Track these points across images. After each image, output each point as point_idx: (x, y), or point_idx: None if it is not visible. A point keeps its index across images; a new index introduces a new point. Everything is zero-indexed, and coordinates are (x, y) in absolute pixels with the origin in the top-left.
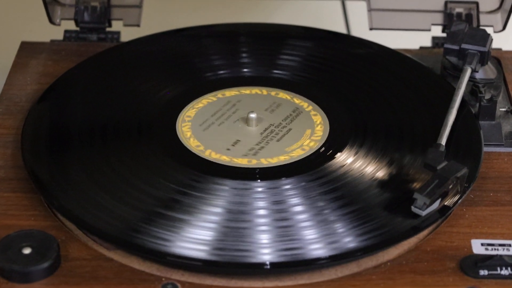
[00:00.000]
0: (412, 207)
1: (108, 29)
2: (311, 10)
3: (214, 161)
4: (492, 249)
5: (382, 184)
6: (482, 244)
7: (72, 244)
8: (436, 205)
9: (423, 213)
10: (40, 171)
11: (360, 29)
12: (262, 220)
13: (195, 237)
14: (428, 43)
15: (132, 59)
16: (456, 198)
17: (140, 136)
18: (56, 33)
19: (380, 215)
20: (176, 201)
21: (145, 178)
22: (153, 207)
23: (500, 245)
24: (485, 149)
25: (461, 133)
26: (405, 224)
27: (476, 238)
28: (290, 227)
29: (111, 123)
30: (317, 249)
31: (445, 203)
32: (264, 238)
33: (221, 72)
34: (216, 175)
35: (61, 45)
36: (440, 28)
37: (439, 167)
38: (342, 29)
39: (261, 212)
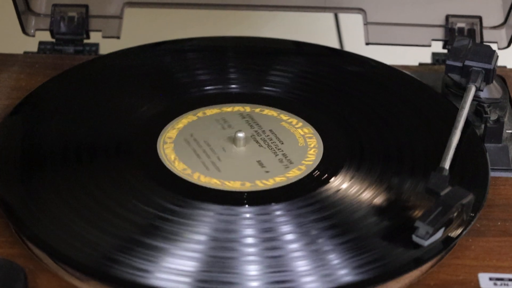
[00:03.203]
0: (414, 236)
1: (85, 41)
2: (301, 23)
3: (198, 184)
4: (501, 284)
5: (380, 211)
6: (490, 279)
7: (41, 274)
8: (439, 234)
9: (426, 243)
10: (8, 193)
11: (354, 44)
12: (250, 250)
13: (177, 268)
14: (427, 59)
15: (111, 73)
16: (462, 227)
17: (118, 157)
18: (29, 44)
19: (379, 245)
20: (156, 227)
21: (123, 202)
22: (131, 234)
23: (510, 279)
24: (491, 173)
25: (465, 156)
26: (406, 255)
27: (484, 271)
28: (280, 257)
29: (88, 143)
30: (309, 283)
31: (450, 233)
32: (253, 269)
33: (207, 88)
34: (199, 199)
35: (35, 58)
36: (440, 43)
37: (442, 193)
38: (335, 43)
39: (249, 240)
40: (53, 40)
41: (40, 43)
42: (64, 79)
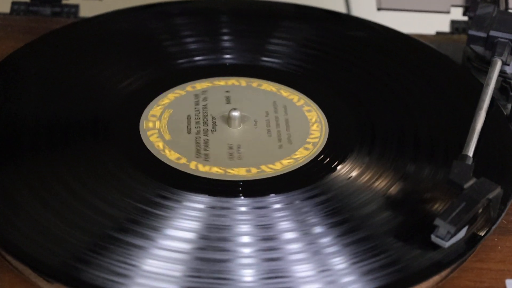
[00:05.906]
0: (432, 236)
1: (64, 1)
2: None
3: (185, 171)
4: None
5: (394, 205)
6: None
7: (3, 274)
8: (462, 233)
9: (446, 244)
10: None
11: (364, 10)
12: (245, 251)
13: (159, 272)
14: (446, 28)
15: (91, 39)
16: (488, 225)
17: (95, 138)
18: (1, 4)
19: (392, 246)
20: (135, 222)
21: (97, 191)
22: (106, 230)
23: None
24: None
25: (490, 141)
26: (423, 259)
27: None
28: (279, 260)
29: (62, 122)
30: None
31: (474, 232)
32: (247, 274)
33: (197, 58)
34: (187, 189)
35: (7, 19)
36: (460, 10)
37: (466, 186)
38: (341, 8)
39: (244, 239)
40: (28, 0)
41: (13, 3)
42: (38, 46)
